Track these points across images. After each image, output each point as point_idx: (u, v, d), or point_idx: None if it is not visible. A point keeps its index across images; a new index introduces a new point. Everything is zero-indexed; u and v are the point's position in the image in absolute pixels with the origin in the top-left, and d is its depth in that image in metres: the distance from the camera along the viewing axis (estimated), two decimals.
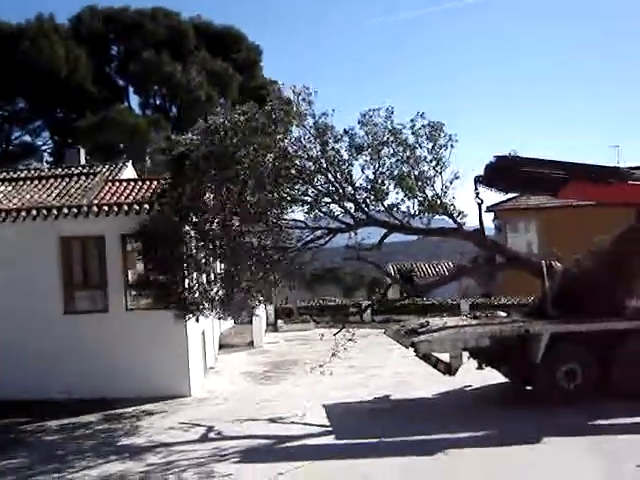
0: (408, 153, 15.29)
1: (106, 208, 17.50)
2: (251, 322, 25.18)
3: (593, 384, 14.84)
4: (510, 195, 24.60)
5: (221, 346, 24.73)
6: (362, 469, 11.19)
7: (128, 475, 11.34)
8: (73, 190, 19.88)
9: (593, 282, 15.44)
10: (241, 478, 11.01)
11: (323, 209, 15.72)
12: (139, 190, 19.37)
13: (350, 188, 15.72)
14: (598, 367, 14.84)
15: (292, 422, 14.50)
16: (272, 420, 14.68)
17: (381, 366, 20.50)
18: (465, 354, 15.14)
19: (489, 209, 30.74)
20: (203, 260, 15.53)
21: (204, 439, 13.57)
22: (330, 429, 13.86)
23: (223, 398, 17.27)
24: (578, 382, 14.75)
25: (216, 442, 13.20)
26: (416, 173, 15.58)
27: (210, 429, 14.16)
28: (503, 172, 15.81)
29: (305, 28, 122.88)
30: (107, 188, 19.86)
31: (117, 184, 20.33)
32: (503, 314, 16.91)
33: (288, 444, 12.91)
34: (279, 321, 31.05)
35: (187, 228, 15.46)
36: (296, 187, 15.40)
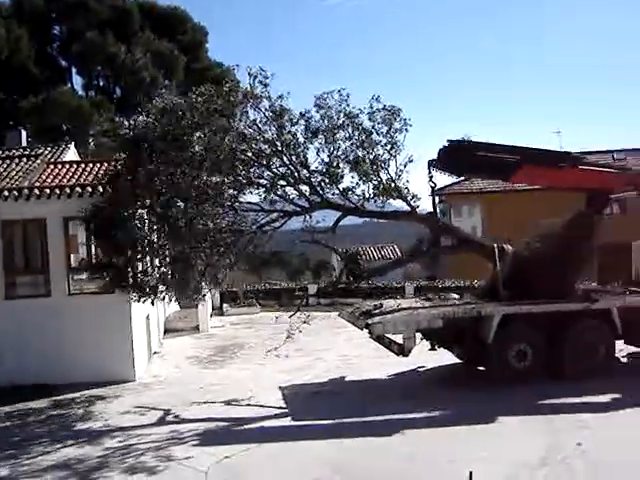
0: (364, 137, 15.35)
1: (48, 191, 17.11)
2: (196, 306, 24.69)
3: (543, 364, 15.21)
4: (455, 179, 24.96)
5: (166, 330, 24.47)
6: (317, 450, 11.24)
7: (87, 459, 11.20)
8: (14, 173, 19.36)
9: (543, 265, 15.75)
10: (201, 461, 10.91)
11: (279, 192, 15.70)
12: (82, 173, 18.97)
13: (305, 171, 15.76)
14: (548, 347, 15.20)
15: (248, 404, 14.51)
16: (228, 403, 14.67)
17: (327, 349, 20.56)
18: (418, 335, 15.37)
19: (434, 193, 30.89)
20: (158, 242, 15.36)
21: (161, 422, 13.47)
22: (286, 411, 13.89)
23: (168, 383, 17.11)
24: (528, 362, 15.08)
25: (174, 425, 13.12)
26: (371, 157, 15.67)
27: (167, 412, 14.06)
28: (456, 156, 15.99)
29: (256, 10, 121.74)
30: (49, 170, 19.49)
31: (59, 166, 19.94)
32: (455, 296, 17.20)
33: (246, 426, 12.93)
34: (225, 305, 30.86)
35: (141, 211, 15.25)
36: (252, 170, 15.33)
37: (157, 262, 15.91)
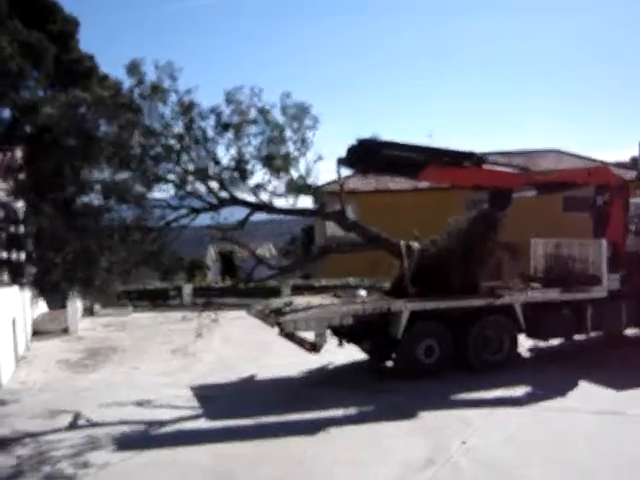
0: (276, 133, 15.26)
1: None
2: (65, 306, 23.80)
3: (450, 358, 15.55)
4: (329, 178, 24.91)
5: (34, 333, 23.12)
6: (242, 450, 10.99)
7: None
8: None
9: (449, 261, 16.09)
10: (118, 466, 10.50)
11: (188, 188, 15.39)
12: None
13: (215, 167, 15.51)
14: (454, 342, 15.57)
15: (169, 404, 14.09)
16: (140, 404, 14.15)
17: (204, 350, 19.74)
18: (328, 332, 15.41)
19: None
20: (61, 238, 14.76)
21: (73, 427, 12.80)
22: (200, 412, 13.47)
23: (37, 389, 15.98)
24: (436, 357, 15.40)
25: (87, 430, 12.48)
26: (283, 153, 15.59)
27: (78, 416, 13.39)
28: (365, 155, 16.12)
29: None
30: None
31: None
32: (363, 293, 17.27)
33: (173, 427, 12.50)
34: (96, 306, 28.90)
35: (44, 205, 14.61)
36: (161, 165, 14.97)
37: (60, 259, 15.26)
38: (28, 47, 44.48)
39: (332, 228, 34.59)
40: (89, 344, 21.95)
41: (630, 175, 31.41)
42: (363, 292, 17.35)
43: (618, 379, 14.38)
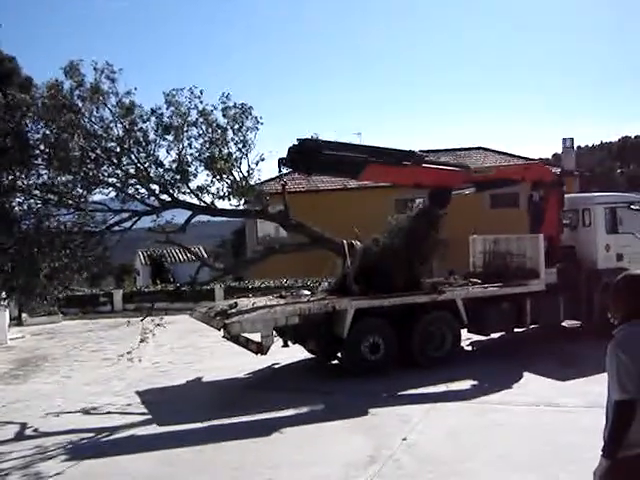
0: (218, 134, 15.26)
1: None
2: None
3: (394, 355, 15.77)
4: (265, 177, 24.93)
5: None
6: (185, 456, 10.82)
7: None
8: None
9: (391, 259, 16.30)
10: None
11: (129, 191, 15.28)
12: None
13: (156, 169, 15.43)
14: (399, 339, 15.79)
15: (108, 412, 13.89)
16: (87, 412, 13.96)
17: (137, 357, 18.85)
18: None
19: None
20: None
21: (20, 437, 12.51)
22: (140, 419, 13.23)
23: None
24: (381, 354, 15.59)
25: (36, 440, 12.17)
26: (224, 155, 15.60)
27: (24, 426, 13.09)
28: (306, 155, 16.22)
29: None
30: None
31: None
32: (307, 292, 17.39)
33: (117, 435, 12.22)
34: (23, 314, 28.30)
35: None
36: (102, 168, 14.82)
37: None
38: None
39: (263, 230, 34.98)
40: (19, 354, 21.55)
41: (554, 171, 32.26)
42: (307, 292, 17.48)
43: (555, 371, 14.72)
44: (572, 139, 37.06)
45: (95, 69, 14.85)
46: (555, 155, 62.98)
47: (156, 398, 14.87)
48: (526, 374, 14.79)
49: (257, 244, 33.70)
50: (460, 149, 39.04)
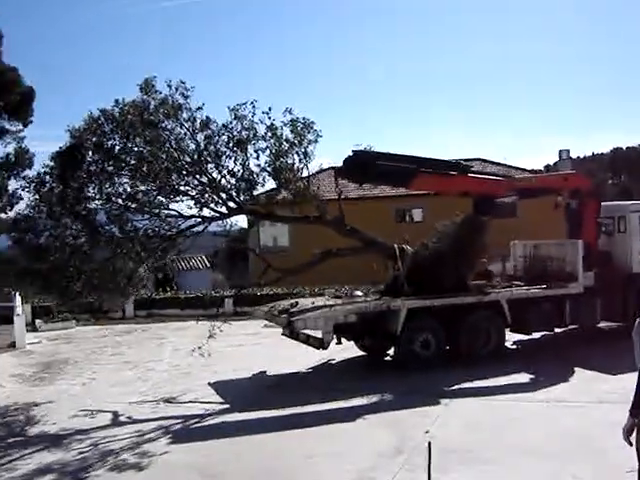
0: (285, 147, 16.49)
1: None
2: (8, 322, 24.23)
3: (444, 351, 16.99)
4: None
5: None
6: (287, 440, 11.79)
7: (67, 465, 11.06)
8: None
9: (440, 262, 17.44)
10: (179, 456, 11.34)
11: (203, 200, 16.58)
12: None
13: (229, 180, 16.68)
14: (448, 336, 17.01)
15: (190, 401, 15.08)
16: (168, 401, 15.11)
17: (156, 360, 20.10)
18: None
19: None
20: (84, 249, 15.85)
21: (117, 424, 13.57)
22: (228, 406, 14.45)
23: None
24: (432, 350, 16.82)
25: (137, 425, 13.26)
26: (289, 165, 16.85)
27: (115, 414, 14.19)
28: (360, 165, 17.46)
29: None
30: None
31: None
32: (360, 293, 18.60)
33: (210, 422, 13.38)
34: (38, 321, 28.51)
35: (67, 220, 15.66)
36: (183, 179, 16.13)
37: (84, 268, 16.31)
38: None
39: (264, 238, 36.14)
40: (40, 358, 21.84)
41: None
42: (360, 292, 18.70)
43: (600, 367, 15.64)
44: (568, 150, 38.04)
45: (169, 86, 16.16)
46: (547, 166, 62.73)
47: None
48: (578, 370, 15.71)
49: (260, 252, 34.28)
50: (460, 160, 39.78)
